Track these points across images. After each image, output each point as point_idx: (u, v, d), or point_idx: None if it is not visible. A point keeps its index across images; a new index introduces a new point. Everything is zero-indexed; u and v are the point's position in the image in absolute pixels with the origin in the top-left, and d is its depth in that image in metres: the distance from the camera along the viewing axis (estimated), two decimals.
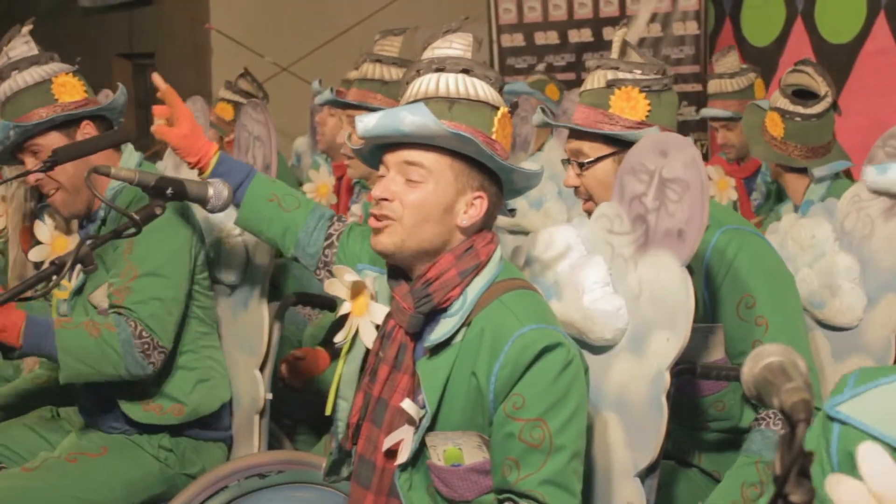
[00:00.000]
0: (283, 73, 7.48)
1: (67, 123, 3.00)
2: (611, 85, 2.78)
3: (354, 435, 2.36)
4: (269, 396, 3.22)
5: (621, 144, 2.73)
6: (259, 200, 2.71)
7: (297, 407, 3.90)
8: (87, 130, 3.02)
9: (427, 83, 2.25)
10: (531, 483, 2.14)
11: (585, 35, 6.87)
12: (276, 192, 2.72)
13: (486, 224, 2.30)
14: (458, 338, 2.24)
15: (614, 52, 2.85)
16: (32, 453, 3.11)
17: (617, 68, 2.78)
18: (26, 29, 3.08)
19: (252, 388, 3.21)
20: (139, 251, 2.89)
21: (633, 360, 2.44)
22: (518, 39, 7.10)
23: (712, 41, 6.57)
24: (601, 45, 6.78)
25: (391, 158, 2.25)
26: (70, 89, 3.01)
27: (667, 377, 2.35)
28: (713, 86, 5.20)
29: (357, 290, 2.42)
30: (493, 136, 2.24)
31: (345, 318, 2.44)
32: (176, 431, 3.07)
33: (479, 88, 2.23)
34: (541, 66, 6.82)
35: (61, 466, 2.96)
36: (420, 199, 2.22)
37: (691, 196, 2.35)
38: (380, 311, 2.38)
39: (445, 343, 2.24)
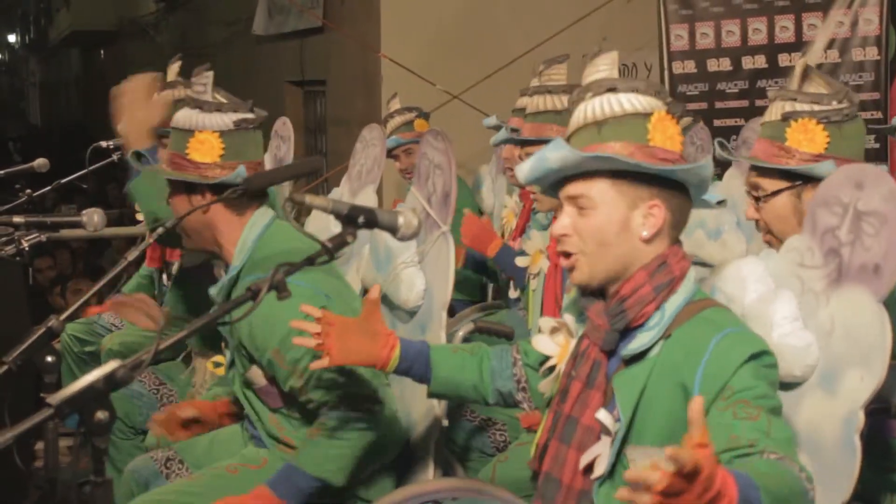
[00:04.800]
0: (454, 100, 7.54)
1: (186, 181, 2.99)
2: (786, 118, 2.74)
3: (541, 455, 2.38)
4: (446, 423, 3.24)
5: (799, 178, 2.68)
6: (446, 357, 2.64)
7: (468, 433, 3.90)
8: (204, 198, 2.97)
9: (579, 113, 2.30)
10: (774, 442, 2.03)
11: (760, 62, 6.73)
12: (455, 347, 2.73)
13: (675, 233, 2.30)
14: (655, 351, 2.24)
15: (794, 82, 2.80)
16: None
17: (794, 99, 2.74)
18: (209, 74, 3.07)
19: (428, 415, 3.23)
20: (268, 334, 2.88)
21: (823, 398, 2.38)
22: (690, 66, 7.00)
23: (893, 67, 6.37)
24: (776, 71, 6.63)
25: (562, 194, 2.32)
26: (203, 148, 2.98)
27: (861, 417, 2.29)
28: None
29: (557, 329, 2.47)
30: (650, 142, 2.24)
31: (551, 368, 2.48)
32: None
33: (625, 102, 2.25)
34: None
35: (221, 476, 3.03)
36: (593, 225, 2.25)
37: (889, 230, 2.29)
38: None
39: (641, 356, 2.25)
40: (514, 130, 4.08)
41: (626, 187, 2.24)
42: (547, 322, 2.50)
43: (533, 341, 2.54)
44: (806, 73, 2.82)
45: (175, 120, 3.05)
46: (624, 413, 2.21)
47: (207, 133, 2.99)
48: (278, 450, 3.08)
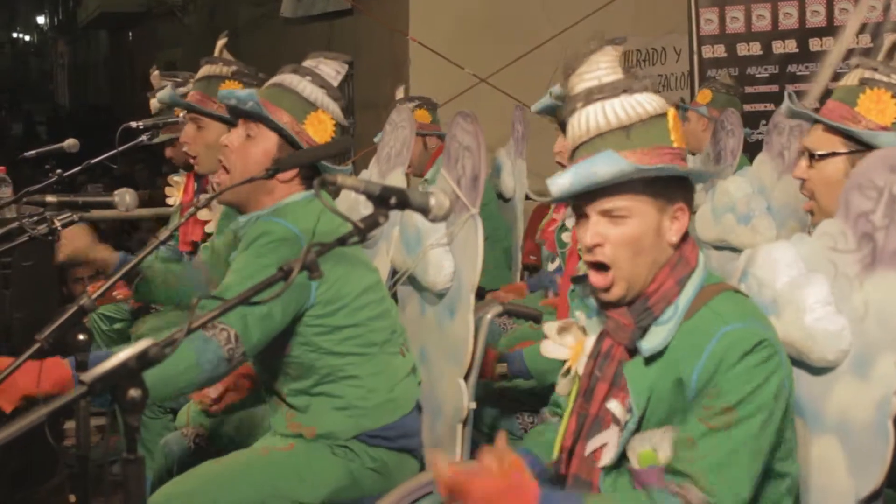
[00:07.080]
0: (481, 84, 7.53)
1: (289, 141, 3.01)
2: (863, 83, 2.74)
3: (568, 458, 2.35)
4: (473, 406, 3.24)
5: (858, 146, 2.66)
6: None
7: (496, 416, 3.90)
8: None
9: (596, 117, 2.20)
10: (699, 466, 2.12)
11: (790, 46, 6.67)
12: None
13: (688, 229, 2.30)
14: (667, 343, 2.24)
15: (881, 55, 2.81)
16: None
17: (875, 69, 2.74)
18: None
19: (456, 398, 3.23)
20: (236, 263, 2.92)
21: (856, 382, 2.35)
22: (720, 50, 6.96)
23: None
24: (807, 56, 6.58)
25: (588, 207, 2.23)
26: (320, 128, 3.04)
27: (894, 402, 2.26)
28: None
29: (566, 328, 2.44)
30: (674, 144, 2.21)
31: (568, 370, 2.45)
32: (353, 438, 3.07)
33: (646, 103, 2.20)
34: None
35: (252, 457, 3.05)
36: (628, 235, 2.20)
37: None
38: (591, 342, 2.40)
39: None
40: None
41: (656, 194, 2.20)
42: (552, 325, 2.46)
43: (542, 348, 2.49)
44: (892, 51, 2.83)
45: (295, 85, 3.06)
46: (637, 405, 2.20)
47: (328, 116, 3.06)
48: (275, 402, 3.09)
